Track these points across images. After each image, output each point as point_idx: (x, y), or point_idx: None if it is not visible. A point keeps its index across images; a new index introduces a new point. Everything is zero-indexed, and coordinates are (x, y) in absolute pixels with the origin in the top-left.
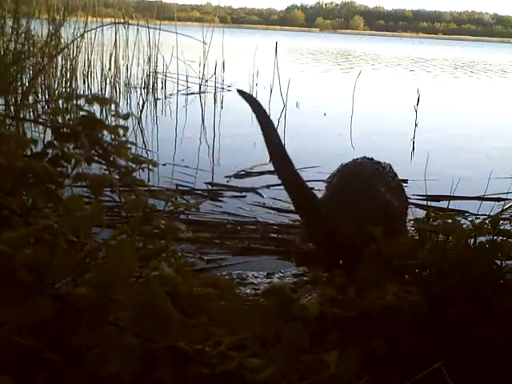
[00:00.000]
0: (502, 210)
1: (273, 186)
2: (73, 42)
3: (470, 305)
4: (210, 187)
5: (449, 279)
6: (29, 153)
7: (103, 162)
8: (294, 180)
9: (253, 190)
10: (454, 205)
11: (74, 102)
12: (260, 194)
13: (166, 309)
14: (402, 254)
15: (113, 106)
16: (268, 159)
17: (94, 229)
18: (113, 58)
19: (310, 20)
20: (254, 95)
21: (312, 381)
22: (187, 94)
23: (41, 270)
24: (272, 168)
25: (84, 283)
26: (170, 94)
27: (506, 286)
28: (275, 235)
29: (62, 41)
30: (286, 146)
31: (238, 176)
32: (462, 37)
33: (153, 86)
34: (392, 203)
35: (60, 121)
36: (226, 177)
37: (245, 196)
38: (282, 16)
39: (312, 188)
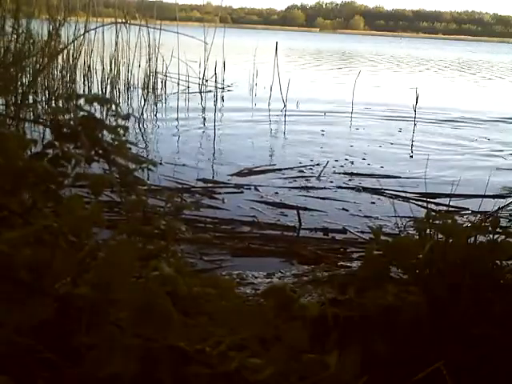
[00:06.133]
0: (501, 208)
1: (273, 184)
2: (73, 41)
3: (470, 305)
4: (209, 185)
5: (449, 279)
6: (29, 153)
7: (104, 161)
8: None
9: (255, 188)
10: (455, 203)
11: (74, 102)
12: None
13: (166, 309)
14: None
15: (113, 106)
16: (269, 160)
17: (94, 229)
18: (113, 58)
19: (310, 20)
20: (254, 95)
21: (312, 381)
22: (187, 93)
23: (41, 270)
24: (273, 167)
25: (84, 283)
26: (171, 94)
27: (506, 285)
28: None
29: (62, 41)
30: (285, 145)
31: (240, 174)
32: (462, 37)
33: (153, 85)
34: None
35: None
36: (229, 175)
37: (242, 192)
38: (282, 16)
39: (310, 187)
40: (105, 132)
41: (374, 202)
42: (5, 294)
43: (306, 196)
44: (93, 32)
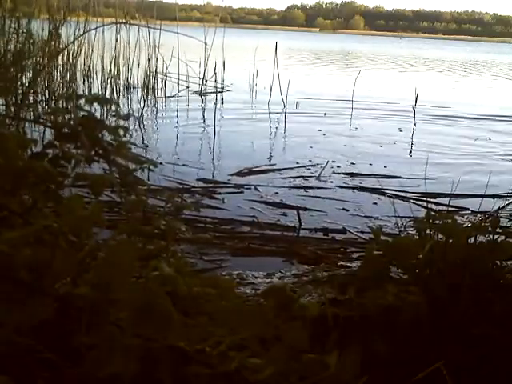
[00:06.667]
0: (501, 208)
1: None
2: (73, 42)
3: (470, 305)
4: (209, 185)
5: (449, 279)
6: (29, 153)
7: (104, 161)
8: None
9: (255, 188)
10: (455, 203)
11: (74, 102)
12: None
13: (166, 309)
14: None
15: (113, 106)
16: (269, 160)
17: (94, 229)
18: (113, 58)
19: (310, 20)
20: (254, 95)
21: (312, 381)
22: (188, 93)
23: (41, 270)
24: (273, 167)
25: (84, 283)
26: (171, 94)
27: (506, 285)
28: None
29: (62, 41)
30: (285, 145)
31: (240, 174)
32: (462, 37)
33: (153, 85)
34: None
35: (60, 121)
36: (229, 175)
37: (242, 192)
38: (282, 16)
39: (308, 187)
40: (105, 132)
41: (374, 202)
42: (5, 293)
43: (305, 196)
44: (93, 32)
